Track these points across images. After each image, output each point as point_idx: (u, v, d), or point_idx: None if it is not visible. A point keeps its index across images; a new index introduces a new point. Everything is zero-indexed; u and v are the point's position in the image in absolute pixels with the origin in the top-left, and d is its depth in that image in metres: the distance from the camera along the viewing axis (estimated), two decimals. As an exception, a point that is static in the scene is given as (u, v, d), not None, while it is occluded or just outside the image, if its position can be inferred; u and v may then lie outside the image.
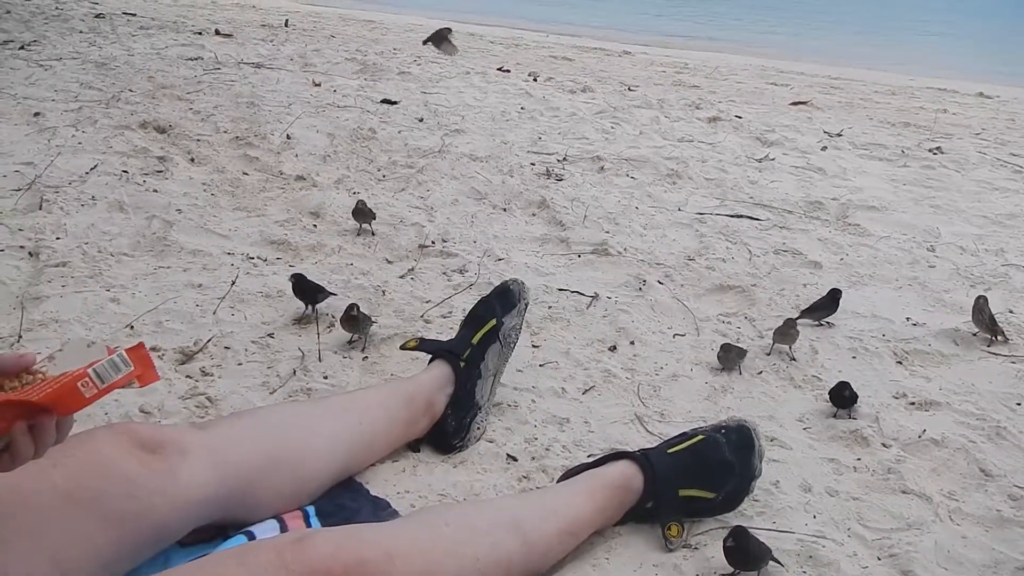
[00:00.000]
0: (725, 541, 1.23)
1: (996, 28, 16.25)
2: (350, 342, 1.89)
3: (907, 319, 2.22)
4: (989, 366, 2.00)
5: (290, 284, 2.00)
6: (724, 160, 3.68)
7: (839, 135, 4.36)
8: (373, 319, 1.91)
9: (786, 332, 1.96)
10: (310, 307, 1.99)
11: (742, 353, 1.91)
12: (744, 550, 1.23)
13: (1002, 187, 3.58)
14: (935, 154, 4.10)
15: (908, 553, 1.33)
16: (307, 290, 1.99)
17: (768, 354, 1.96)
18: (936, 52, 11.09)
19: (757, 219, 2.93)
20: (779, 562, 1.27)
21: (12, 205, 2.45)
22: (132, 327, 1.87)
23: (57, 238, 2.27)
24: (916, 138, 4.47)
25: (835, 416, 1.74)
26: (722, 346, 1.92)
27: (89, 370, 0.85)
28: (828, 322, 2.15)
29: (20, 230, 2.29)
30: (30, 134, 3.09)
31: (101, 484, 1.04)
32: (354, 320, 1.84)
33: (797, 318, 2.02)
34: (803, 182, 3.44)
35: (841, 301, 2.14)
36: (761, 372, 1.91)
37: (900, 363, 2.00)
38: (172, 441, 1.13)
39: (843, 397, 1.73)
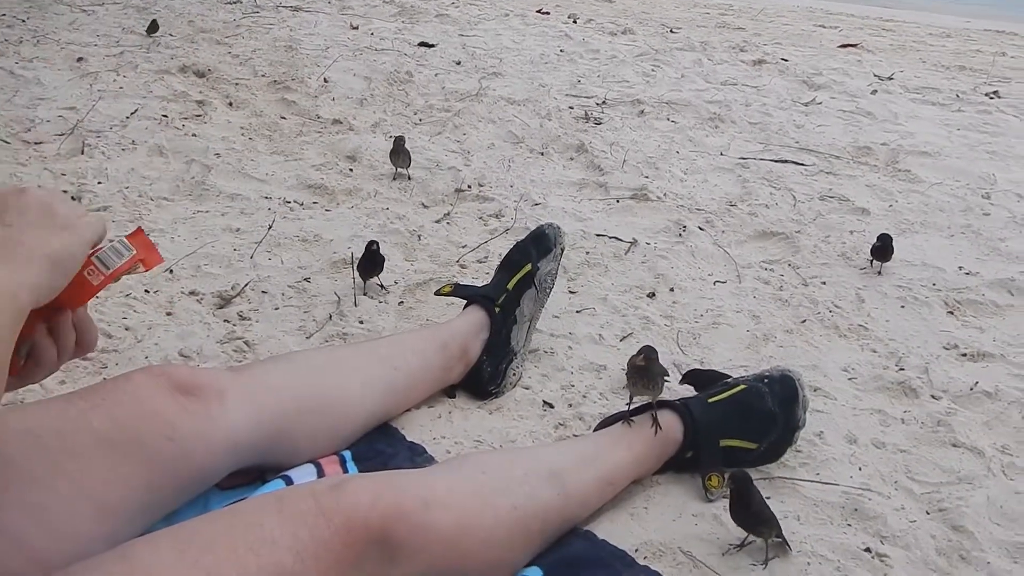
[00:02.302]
0: (728, 485, 1.20)
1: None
2: (395, 177, 2.32)
3: (959, 268, 2.14)
4: (1044, 317, 1.94)
5: (360, 252, 1.84)
6: (769, 104, 3.58)
7: (890, 79, 4.22)
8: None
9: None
10: (367, 279, 1.85)
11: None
12: (745, 500, 1.17)
13: (1062, 132, 3.45)
14: (992, 99, 3.95)
15: (959, 507, 1.30)
16: (375, 263, 1.82)
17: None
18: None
19: (802, 164, 2.85)
20: (787, 543, 1.20)
21: (56, 150, 2.45)
22: (171, 271, 1.87)
23: (99, 182, 2.27)
24: (972, 82, 4.31)
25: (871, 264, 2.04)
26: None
27: (93, 257, 0.85)
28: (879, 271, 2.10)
29: (63, 174, 2.29)
30: (73, 79, 3.09)
31: (139, 427, 1.04)
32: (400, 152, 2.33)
33: None
34: (851, 127, 3.33)
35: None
36: (805, 321, 1.86)
37: (951, 313, 1.94)
38: (209, 384, 1.13)
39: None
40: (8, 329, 0.75)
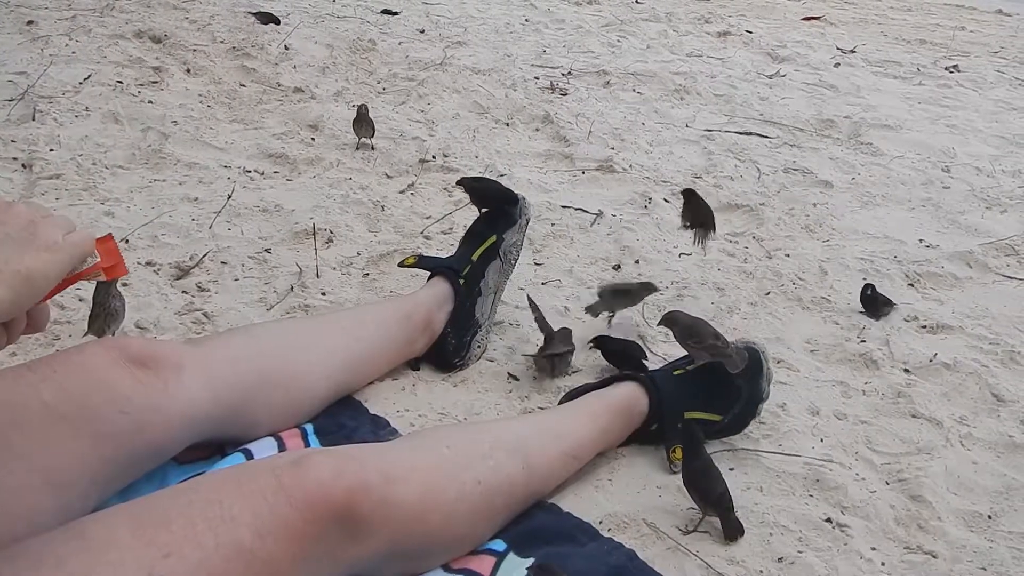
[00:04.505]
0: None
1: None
2: (358, 146, 2.35)
3: (920, 241, 2.17)
4: (1004, 289, 1.96)
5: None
6: (734, 76, 3.58)
7: (852, 52, 4.24)
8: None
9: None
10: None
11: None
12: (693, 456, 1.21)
13: (1020, 107, 3.49)
14: (951, 72, 3.99)
15: (918, 478, 1.31)
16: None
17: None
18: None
19: (767, 137, 2.86)
20: (731, 524, 1.18)
21: (5, 116, 2.38)
22: (127, 241, 1.82)
23: (51, 150, 2.21)
24: (932, 56, 4.34)
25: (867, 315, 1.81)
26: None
27: None
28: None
29: (13, 141, 2.22)
30: (23, 43, 3.00)
31: (91, 400, 1.01)
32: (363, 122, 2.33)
33: None
34: (815, 99, 3.34)
35: (852, 221, 2.08)
36: (769, 293, 1.87)
37: (912, 285, 1.96)
38: (165, 357, 1.10)
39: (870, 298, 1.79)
40: None
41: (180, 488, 0.92)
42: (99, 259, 0.87)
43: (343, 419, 1.32)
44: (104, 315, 1.41)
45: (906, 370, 1.62)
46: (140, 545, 0.81)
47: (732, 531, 1.17)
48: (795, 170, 2.57)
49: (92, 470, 1.00)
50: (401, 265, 1.61)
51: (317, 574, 0.90)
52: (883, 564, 1.16)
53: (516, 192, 1.63)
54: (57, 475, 0.96)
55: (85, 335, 1.44)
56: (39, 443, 0.96)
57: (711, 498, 1.18)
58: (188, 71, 2.91)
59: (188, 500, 0.87)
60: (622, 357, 1.54)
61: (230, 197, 2.05)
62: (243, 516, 0.85)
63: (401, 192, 2.20)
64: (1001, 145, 2.98)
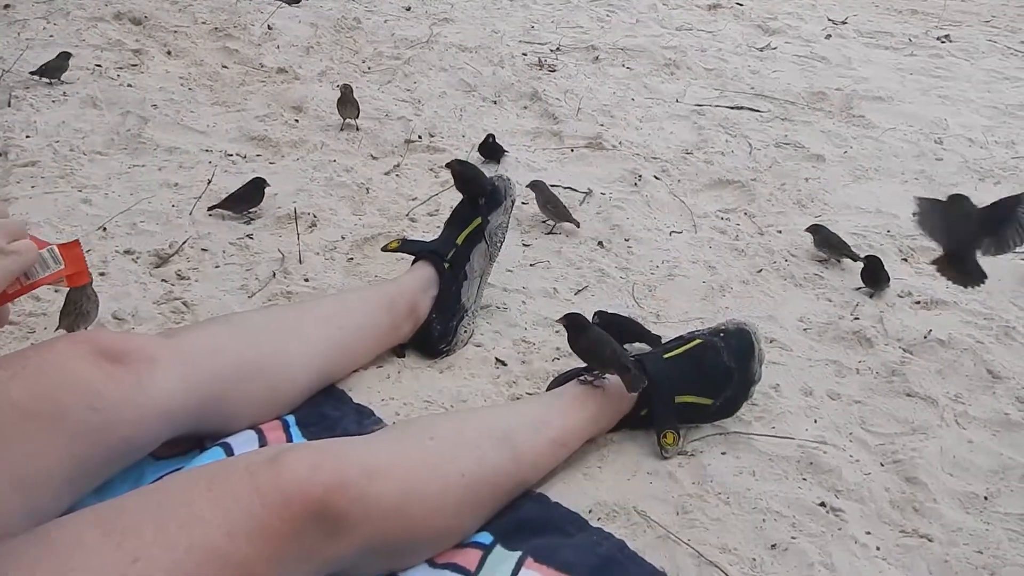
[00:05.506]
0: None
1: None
2: (342, 127, 2.33)
3: (913, 214, 2.13)
4: (998, 263, 1.91)
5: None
6: (724, 49, 3.52)
7: (844, 23, 4.18)
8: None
9: None
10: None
11: None
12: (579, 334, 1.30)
13: (1013, 76, 3.44)
14: (943, 42, 3.94)
15: (912, 459, 1.29)
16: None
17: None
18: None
19: (758, 111, 2.81)
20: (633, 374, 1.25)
21: (-21, 101, 2.33)
22: (105, 229, 1.79)
23: (27, 136, 2.16)
24: (924, 26, 4.29)
25: (871, 296, 1.76)
26: None
27: None
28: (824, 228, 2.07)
29: (-12, 128, 2.18)
30: (-1, 27, 2.94)
31: (62, 397, 0.98)
32: (348, 102, 2.30)
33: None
34: (806, 72, 3.29)
35: (844, 195, 2.04)
36: (761, 271, 1.84)
37: (905, 260, 1.93)
38: (138, 350, 1.06)
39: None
40: None
41: (150, 489, 0.89)
42: (63, 266, 0.85)
43: (326, 409, 1.29)
44: (76, 313, 1.38)
45: (900, 348, 1.59)
46: (108, 549, 0.78)
47: (634, 384, 1.24)
48: (787, 144, 2.53)
49: (64, 469, 0.97)
50: (384, 249, 1.57)
51: (295, 573, 0.88)
52: (878, 549, 1.14)
53: (494, 186, 1.59)
54: (27, 476, 0.93)
55: (57, 329, 1.40)
56: (7, 442, 0.93)
57: (604, 359, 1.25)
58: (169, 53, 2.85)
59: (158, 501, 0.84)
60: (619, 332, 1.50)
61: (210, 182, 2.00)
62: (215, 518, 0.82)
63: (386, 174, 2.16)
64: (994, 115, 2.94)
